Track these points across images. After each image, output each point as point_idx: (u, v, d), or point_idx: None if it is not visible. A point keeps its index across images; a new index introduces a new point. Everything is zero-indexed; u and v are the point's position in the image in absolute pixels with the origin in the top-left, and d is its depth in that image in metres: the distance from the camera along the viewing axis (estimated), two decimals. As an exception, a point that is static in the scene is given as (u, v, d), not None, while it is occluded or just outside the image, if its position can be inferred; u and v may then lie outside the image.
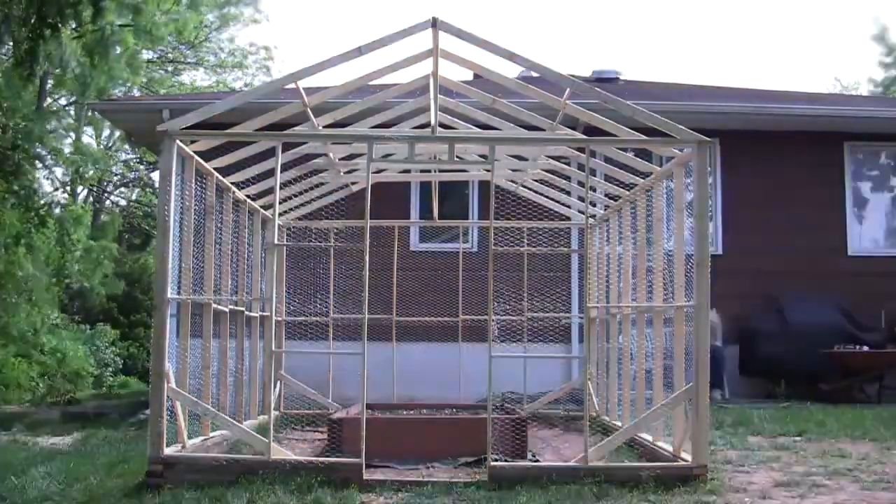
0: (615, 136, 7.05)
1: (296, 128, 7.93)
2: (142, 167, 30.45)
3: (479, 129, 8.45)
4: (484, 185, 12.04)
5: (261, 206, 9.10)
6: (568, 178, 9.58)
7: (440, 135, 6.88)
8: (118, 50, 15.41)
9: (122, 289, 23.28)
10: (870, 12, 54.92)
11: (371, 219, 6.38)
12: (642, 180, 7.68)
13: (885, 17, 28.09)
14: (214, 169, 7.52)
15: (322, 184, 9.54)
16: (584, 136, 7.01)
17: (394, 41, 6.55)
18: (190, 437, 6.69)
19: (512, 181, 9.90)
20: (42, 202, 16.47)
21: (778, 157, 12.98)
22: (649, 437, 7.05)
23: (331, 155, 8.71)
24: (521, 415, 7.86)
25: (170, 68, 29.01)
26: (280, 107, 7.53)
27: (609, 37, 57.52)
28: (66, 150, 20.76)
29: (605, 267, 9.28)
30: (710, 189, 6.34)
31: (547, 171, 9.18)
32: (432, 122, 6.72)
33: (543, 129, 8.03)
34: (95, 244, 18.34)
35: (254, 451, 6.67)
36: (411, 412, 8.84)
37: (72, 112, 25.12)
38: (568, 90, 7.06)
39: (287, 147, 7.72)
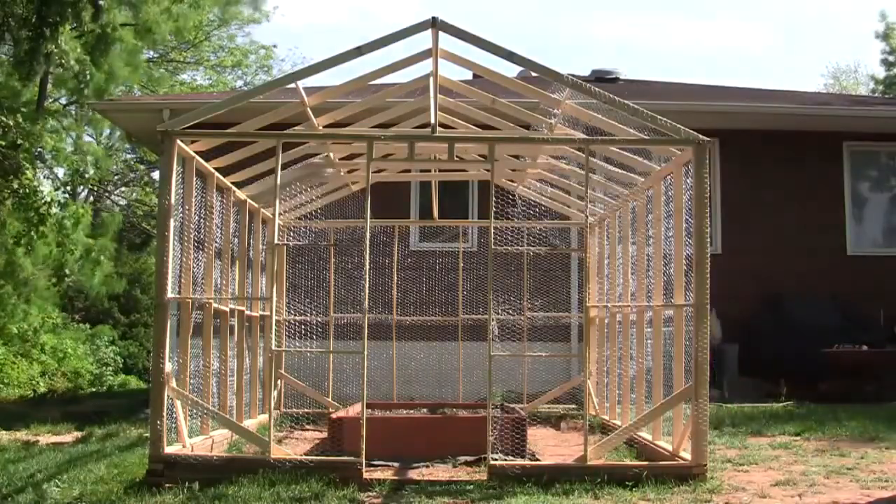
0: (615, 136, 7.06)
1: (296, 127, 7.95)
2: (142, 167, 30.43)
3: (478, 129, 8.46)
4: (484, 185, 12.05)
5: (261, 206, 9.11)
6: (568, 178, 9.59)
7: (440, 135, 6.89)
8: (118, 49, 15.39)
9: (124, 287, 23.28)
10: (873, 9, 54.82)
11: (371, 218, 6.40)
12: (642, 180, 7.70)
13: (891, 13, 27.72)
14: (215, 169, 7.54)
15: (322, 183, 9.55)
16: (584, 136, 7.02)
17: (394, 41, 6.55)
18: (190, 437, 6.71)
19: (511, 181, 9.91)
20: (42, 201, 16.41)
21: (778, 156, 12.99)
22: (649, 437, 7.06)
23: (331, 155, 8.72)
24: (521, 414, 7.87)
25: (170, 67, 28.98)
26: (280, 107, 7.55)
27: (609, 37, 57.55)
28: (68, 149, 20.77)
29: (604, 267, 9.29)
30: (708, 189, 6.34)
31: (547, 170, 9.19)
32: (432, 121, 6.72)
33: (543, 129, 8.04)
34: (94, 242, 18.33)
35: (254, 451, 6.70)
36: (411, 411, 8.86)
37: (72, 111, 25.11)
38: (567, 90, 7.08)
39: (287, 147, 7.73)
